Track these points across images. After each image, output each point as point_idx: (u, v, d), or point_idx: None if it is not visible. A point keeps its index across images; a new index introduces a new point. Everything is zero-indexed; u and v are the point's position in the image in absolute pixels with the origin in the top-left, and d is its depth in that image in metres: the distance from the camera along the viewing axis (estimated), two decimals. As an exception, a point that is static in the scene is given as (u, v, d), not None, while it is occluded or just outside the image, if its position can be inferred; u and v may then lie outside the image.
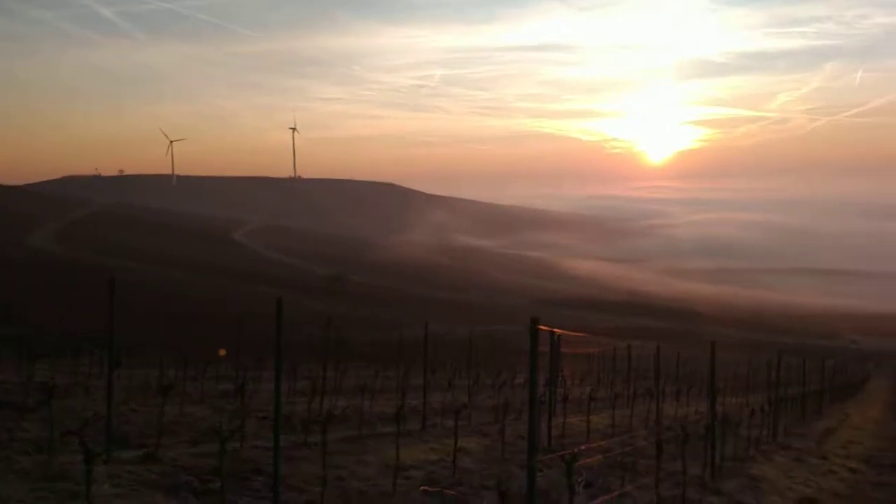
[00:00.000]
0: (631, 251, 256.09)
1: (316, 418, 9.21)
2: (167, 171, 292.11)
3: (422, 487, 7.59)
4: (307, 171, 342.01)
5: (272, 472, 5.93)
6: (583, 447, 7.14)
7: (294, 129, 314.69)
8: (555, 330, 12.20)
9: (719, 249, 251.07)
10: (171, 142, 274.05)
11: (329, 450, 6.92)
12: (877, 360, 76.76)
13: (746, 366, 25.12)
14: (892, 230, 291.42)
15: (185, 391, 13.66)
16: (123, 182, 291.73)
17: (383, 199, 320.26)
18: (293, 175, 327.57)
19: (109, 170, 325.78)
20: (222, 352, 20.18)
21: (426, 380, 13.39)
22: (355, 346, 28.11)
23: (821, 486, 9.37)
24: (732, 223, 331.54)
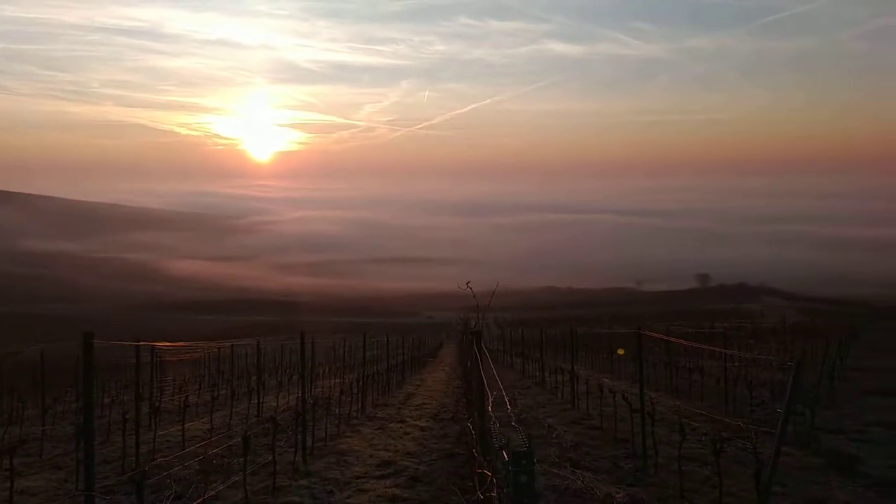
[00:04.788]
0: (237, 249, 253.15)
1: None
2: None
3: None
4: None
5: None
6: (157, 460, 6.63)
7: None
8: (140, 343, 11.17)
9: (320, 244, 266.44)
10: None
11: None
12: (447, 330, 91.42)
13: (342, 348, 27.16)
14: (456, 224, 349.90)
15: None
16: None
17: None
18: None
19: None
20: None
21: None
22: None
23: (397, 447, 10.60)
24: (330, 220, 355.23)
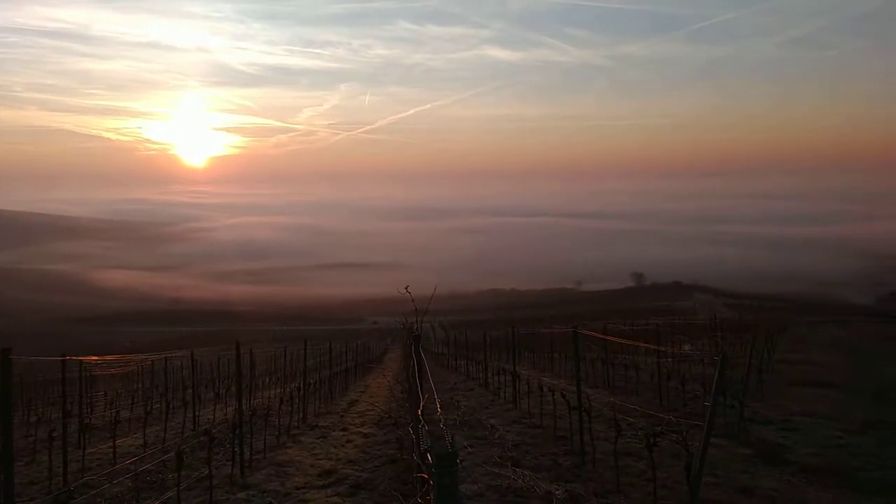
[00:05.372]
0: (170, 258, 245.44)
1: None
2: None
3: None
4: None
5: None
6: (85, 478, 6.36)
7: None
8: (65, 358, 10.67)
9: (259, 251, 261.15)
10: None
11: None
12: (393, 336, 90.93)
13: (283, 357, 26.66)
14: (400, 228, 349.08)
15: None
16: None
17: None
18: None
19: None
20: None
21: None
22: None
23: (339, 456, 10.47)
24: (270, 226, 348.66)
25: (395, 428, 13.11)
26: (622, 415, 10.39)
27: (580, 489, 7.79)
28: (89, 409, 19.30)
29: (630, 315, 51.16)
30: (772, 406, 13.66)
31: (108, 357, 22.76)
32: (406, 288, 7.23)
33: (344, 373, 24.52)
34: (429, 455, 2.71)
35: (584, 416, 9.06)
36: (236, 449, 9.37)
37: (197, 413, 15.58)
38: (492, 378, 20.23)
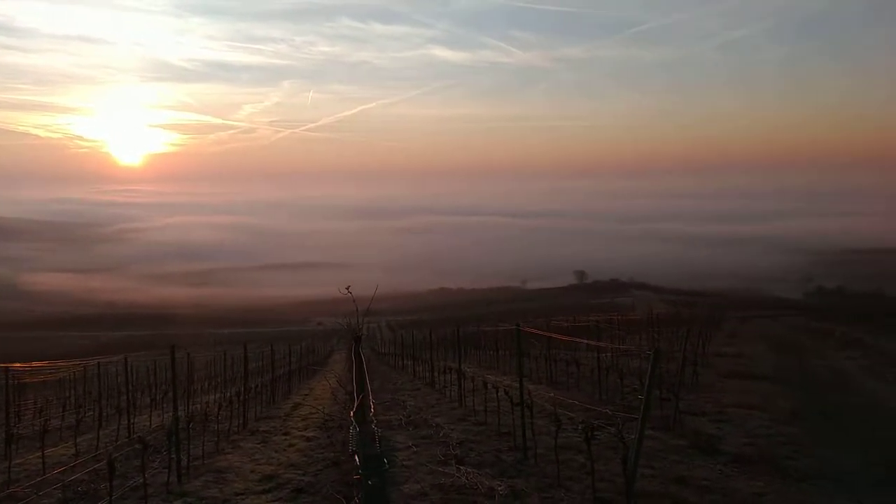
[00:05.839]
0: (104, 259, 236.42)
1: None
2: None
3: None
4: None
5: None
6: (11, 490, 6.07)
7: None
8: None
9: (198, 252, 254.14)
10: None
11: None
12: (338, 337, 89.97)
13: (224, 361, 26.05)
14: (346, 228, 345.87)
15: None
16: None
17: None
18: None
19: None
20: None
21: None
22: None
23: (280, 460, 10.30)
24: (210, 226, 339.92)
25: (340, 431, 12.99)
26: (563, 409, 10.58)
27: (522, 484, 7.89)
28: (17, 419, 18.42)
29: (573, 312, 52.18)
30: (706, 398, 14.15)
31: (36, 364, 21.78)
32: (347, 288, 7.17)
33: (287, 376, 24.12)
34: (356, 457, 2.70)
35: (527, 412, 9.19)
36: (172, 456, 9.10)
37: (132, 420, 15.07)
38: (438, 377, 20.28)
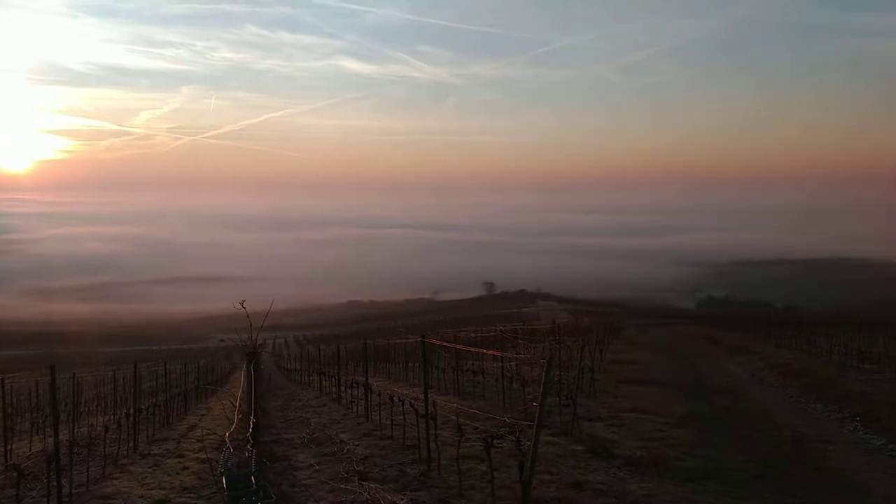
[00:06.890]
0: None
1: None
2: None
3: None
4: None
5: None
6: None
7: None
8: None
9: (89, 265, 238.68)
10: None
11: None
12: (242, 354, 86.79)
13: (114, 381, 24.57)
14: (251, 240, 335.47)
15: None
16: None
17: None
18: None
19: None
20: None
21: None
22: None
23: (173, 484, 9.80)
24: (102, 237, 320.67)
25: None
26: (468, 419, 10.68)
27: (424, 497, 7.88)
28: None
29: (481, 322, 52.91)
30: (602, 404, 14.70)
31: None
32: (242, 303, 6.94)
33: (183, 395, 23.03)
34: (223, 479, 2.61)
35: (431, 424, 9.20)
36: (53, 483, 8.45)
37: (9, 446, 13.89)
38: (345, 392, 19.97)
